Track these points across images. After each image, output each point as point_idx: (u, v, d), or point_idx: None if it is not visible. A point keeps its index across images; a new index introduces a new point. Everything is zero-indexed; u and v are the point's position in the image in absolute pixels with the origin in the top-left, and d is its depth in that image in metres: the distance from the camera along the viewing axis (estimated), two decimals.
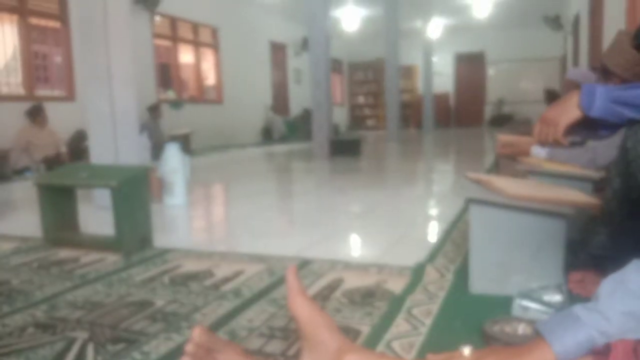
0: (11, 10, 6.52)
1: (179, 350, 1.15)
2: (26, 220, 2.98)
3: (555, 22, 12.48)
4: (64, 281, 1.73)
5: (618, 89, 1.16)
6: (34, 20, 6.87)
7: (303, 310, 0.90)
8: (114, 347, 1.20)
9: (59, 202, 2.26)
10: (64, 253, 2.12)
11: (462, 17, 13.17)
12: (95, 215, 2.99)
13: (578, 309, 0.79)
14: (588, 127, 1.23)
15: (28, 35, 6.72)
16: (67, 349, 1.20)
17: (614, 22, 5.88)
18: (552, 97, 6.08)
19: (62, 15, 7.14)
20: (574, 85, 1.21)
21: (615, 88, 1.17)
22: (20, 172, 5.78)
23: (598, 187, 1.73)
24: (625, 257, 0.89)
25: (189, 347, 0.82)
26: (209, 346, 0.83)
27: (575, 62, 10.08)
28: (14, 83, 6.64)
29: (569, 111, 1.18)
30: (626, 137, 1.26)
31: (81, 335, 1.27)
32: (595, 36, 7.57)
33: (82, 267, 1.91)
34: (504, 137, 3.11)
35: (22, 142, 6.03)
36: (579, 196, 1.37)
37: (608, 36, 6.44)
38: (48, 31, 7.13)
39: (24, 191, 4.47)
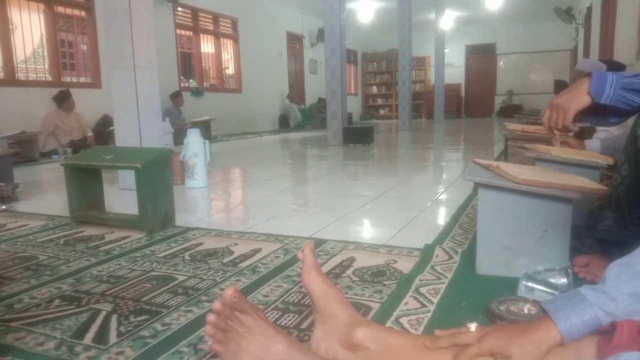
0: None
1: (198, 321, 1.20)
2: (53, 199, 3.10)
3: (567, 14, 12.35)
4: (89, 257, 1.79)
5: (629, 76, 1.16)
6: (60, 9, 7.00)
7: (316, 284, 0.94)
8: (136, 318, 1.24)
9: (85, 183, 2.35)
10: (90, 231, 2.20)
11: (474, 9, 13.16)
12: (120, 196, 3.10)
13: (584, 290, 0.79)
14: (598, 113, 1.23)
15: (54, 23, 6.86)
16: (91, 319, 1.24)
17: (627, 13, 5.77)
18: (561, 88, 6.05)
19: (88, 4, 7.27)
20: (584, 76, 1.22)
21: (626, 75, 1.17)
22: (47, 155, 5.96)
23: (605, 174, 1.74)
24: (632, 242, 0.89)
25: (217, 305, 0.83)
26: (236, 307, 0.84)
27: (586, 55, 10.00)
28: (41, 70, 6.79)
29: (579, 97, 1.19)
30: (636, 125, 1.27)
31: (105, 307, 1.32)
32: (607, 28, 7.45)
33: (107, 244, 1.99)
34: (513, 125, 3.13)
35: (50, 126, 6.19)
36: (586, 182, 1.38)
37: (620, 28, 6.34)
38: (74, 20, 7.25)
39: (51, 173, 4.61)
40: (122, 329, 1.19)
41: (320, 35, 12.36)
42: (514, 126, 3.19)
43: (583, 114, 1.22)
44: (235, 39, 10.67)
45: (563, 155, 1.78)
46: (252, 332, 0.84)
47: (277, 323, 1.20)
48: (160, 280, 1.53)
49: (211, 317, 0.84)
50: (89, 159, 2.35)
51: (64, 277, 1.58)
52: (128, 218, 2.23)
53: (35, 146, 5.79)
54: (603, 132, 2.90)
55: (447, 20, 13.45)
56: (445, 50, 13.59)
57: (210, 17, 10.02)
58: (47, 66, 6.84)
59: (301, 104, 12.80)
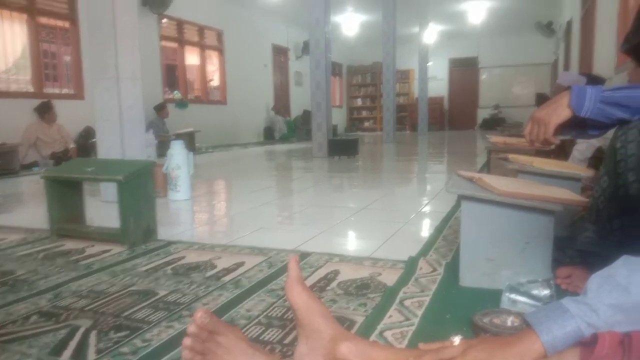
0: (20, 9, 6.60)
1: (180, 337, 1.17)
2: (33, 212, 3.04)
3: (547, 28, 12.65)
4: (69, 271, 1.76)
5: (608, 90, 1.19)
6: (43, 20, 6.94)
7: (300, 298, 0.92)
8: (116, 334, 1.22)
9: (65, 195, 2.31)
10: (70, 244, 2.17)
11: (457, 23, 13.39)
12: (101, 209, 3.06)
13: (567, 302, 0.79)
14: (578, 126, 1.26)
15: (37, 34, 6.80)
16: (70, 336, 1.21)
17: (606, 28, 5.92)
18: (543, 101, 6.22)
19: (72, 15, 7.22)
20: (564, 90, 1.25)
21: (605, 89, 1.20)
22: (28, 167, 5.87)
23: (585, 186, 1.77)
24: (612, 253, 0.91)
25: (192, 328, 0.82)
26: (211, 328, 0.83)
27: (567, 68, 10.19)
28: (23, 80, 6.72)
29: (560, 111, 1.21)
30: (615, 138, 1.29)
31: (84, 323, 1.29)
32: (586, 42, 7.62)
33: (87, 257, 1.95)
34: (495, 138, 3.18)
35: (31, 138, 6.11)
36: (567, 194, 1.40)
37: (599, 42, 6.49)
38: (57, 30, 7.20)
39: (31, 185, 4.53)
40: (101, 345, 1.17)
41: (306, 48, 12.45)
42: (496, 139, 3.24)
43: (564, 127, 1.24)
44: (220, 50, 10.68)
45: (544, 167, 1.80)
46: (231, 353, 0.82)
47: (260, 338, 1.18)
48: (141, 295, 1.50)
49: (187, 341, 0.82)
50: (70, 171, 2.31)
51: (42, 292, 1.55)
52: (109, 231, 2.20)
53: (16, 158, 5.70)
54: (583, 144, 2.95)
55: (431, 33, 13.68)
56: (429, 64, 13.79)
57: (196, 29, 10.02)
58: (29, 77, 6.76)
59: (286, 116, 12.83)
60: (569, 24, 10.24)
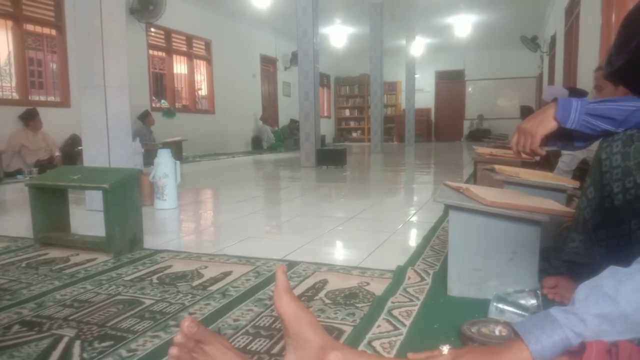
0: (6, 16, 6.55)
1: (165, 347, 1.16)
2: (17, 221, 3.00)
3: (532, 42, 12.90)
4: (53, 280, 1.73)
5: (593, 102, 1.21)
6: (30, 27, 6.89)
7: (288, 307, 0.91)
8: (100, 344, 1.20)
9: (50, 203, 2.28)
10: (54, 253, 2.13)
11: (444, 36, 13.58)
12: (86, 217, 3.02)
13: (555, 311, 0.80)
14: (564, 138, 1.28)
15: (23, 41, 6.74)
16: (53, 346, 1.19)
17: (589, 42, 6.04)
18: (527, 113, 6.34)
19: (58, 23, 7.18)
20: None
21: (590, 101, 1.22)
22: (12, 175, 5.79)
23: (570, 197, 1.79)
24: (599, 264, 0.92)
25: (178, 338, 0.82)
26: (198, 338, 0.83)
27: (551, 81, 10.37)
28: (8, 87, 6.64)
29: (546, 122, 1.23)
30: (600, 149, 1.31)
31: (68, 332, 1.27)
32: (570, 57, 7.75)
33: (72, 266, 1.93)
34: (482, 149, 3.21)
35: (15, 146, 6.04)
36: (553, 205, 1.42)
37: (583, 56, 6.62)
38: (44, 38, 7.15)
39: (15, 193, 4.47)
40: (85, 355, 1.15)
41: (294, 59, 12.52)
42: (482, 150, 3.27)
43: (550, 138, 1.26)
44: (208, 60, 10.69)
45: (531, 178, 1.82)
46: None
47: (248, 348, 1.17)
48: (126, 305, 1.48)
49: (173, 351, 0.81)
50: (55, 179, 2.28)
51: (24, 301, 1.52)
52: (94, 240, 2.17)
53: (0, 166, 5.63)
54: (568, 156, 3.00)
55: (418, 46, 13.86)
56: (416, 76, 13.96)
57: (184, 38, 10.02)
58: (14, 84, 6.69)
59: (274, 125, 12.85)
60: (553, 38, 10.43)
